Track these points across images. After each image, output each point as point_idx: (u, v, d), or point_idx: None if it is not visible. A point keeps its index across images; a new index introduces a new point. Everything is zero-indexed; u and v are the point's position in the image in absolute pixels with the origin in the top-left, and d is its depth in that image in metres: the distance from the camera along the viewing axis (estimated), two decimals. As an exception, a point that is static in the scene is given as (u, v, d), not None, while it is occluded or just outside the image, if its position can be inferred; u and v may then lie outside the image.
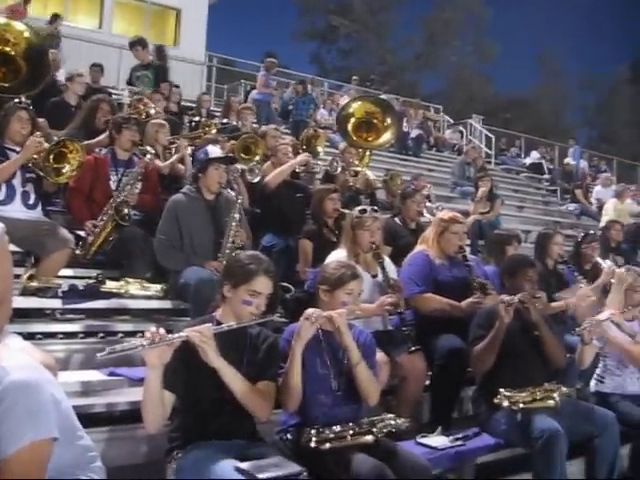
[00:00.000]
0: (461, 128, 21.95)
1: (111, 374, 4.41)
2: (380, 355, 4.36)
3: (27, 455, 2.21)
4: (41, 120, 6.62)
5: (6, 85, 6.11)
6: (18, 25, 6.27)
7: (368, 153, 8.61)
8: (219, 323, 3.33)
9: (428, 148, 19.11)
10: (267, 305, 3.43)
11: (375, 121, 8.36)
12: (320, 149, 8.53)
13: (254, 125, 10.33)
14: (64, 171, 5.47)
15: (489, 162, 19.38)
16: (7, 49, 6.08)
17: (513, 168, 20.51)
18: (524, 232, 12.41)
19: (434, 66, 43.00)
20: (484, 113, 26.35)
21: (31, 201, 5.49)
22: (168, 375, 3.08)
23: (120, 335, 5.13)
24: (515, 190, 17.44)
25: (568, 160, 20.51)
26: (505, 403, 4.29)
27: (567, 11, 49.29)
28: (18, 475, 2.19)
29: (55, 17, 14.02)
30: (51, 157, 5.36)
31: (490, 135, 21.72)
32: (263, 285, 3.38)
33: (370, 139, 8.42)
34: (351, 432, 3.53)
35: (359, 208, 5.24)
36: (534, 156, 21.36)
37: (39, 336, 4.82)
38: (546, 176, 20.10)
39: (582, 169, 20.40)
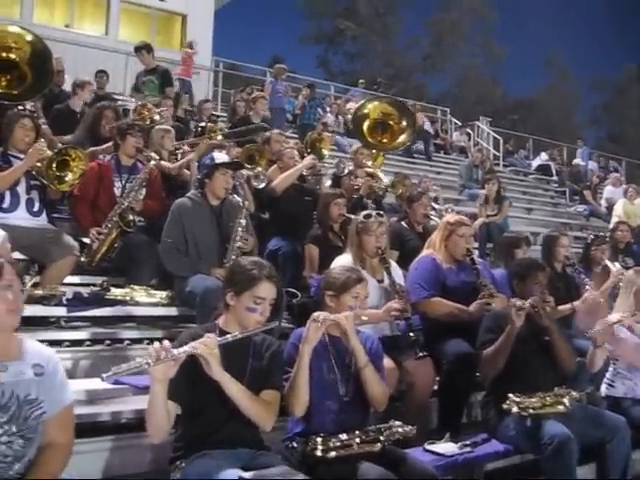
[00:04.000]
0: (469, 130, 21.88)
1: (116, 382, 4.36)
2: (387, 361, 4.32)
3: (69, 412, 2.89)
4: (45, 127, 6.61)
5: (12, 92, 6.10)
6: (20, 30, 6.25)
7: (381, 154, 8.55)
8: (222, 331, 3.28)
9: (435, 150, 19.05)
10: (271, 311, 3.38)
11: (391, 122, 8.23)
12: (325, 152, 8.48)
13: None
14: (66, 179, 5.45)
15: (497, 164, 19.32)
16: (11, 56, 6.06)
17: (521, 170, 20.42)
18: (533, 234, 12.31)
19: (441, 68, 42.91)
20: (492, 115, 26.28)
21: (36, 208, 5.48)
22: (172, 385, 3.03)
23: (126, 342, 5.12)
24: (523, 192, 17.37)
25: (577, 161, 20.40)
26: (514, 408, 4.22)
27: (574, 12, 49.34)
28: (66, 427, 2.87)
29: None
30: (54, 165, 5.34)
31: (498, 137, 21.62)
32: (267, 290, 3.33)
33: (385, 141, 8.30)
34: (358, 440, 3.50)
35: (364, 213, 5.19)
36: (543, 158, 21.27)
37: (45, 344, 4.80)
38: (554, 177, 19.99)
39: (591, 170, 20.33)
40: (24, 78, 6.10)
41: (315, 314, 3.56)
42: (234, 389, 3.14)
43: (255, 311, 3.29)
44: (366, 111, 8.36)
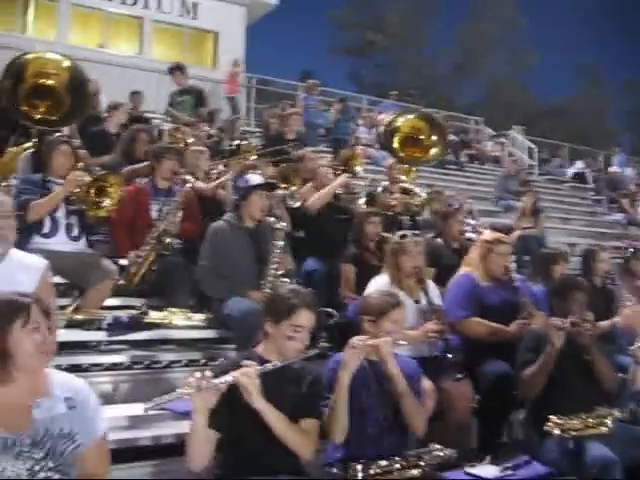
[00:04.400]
0: (503, 139, 21.71)
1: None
2: (426, 382, 4.30)
3: (104, 442, 2.86)
4: (82, 152, 6.71)
5: (51, 118, 6.20)
6: (58, 57, 6.36)
7: (413, 169, 8.52)
8: (262, 359, 3.29)
9: (469, 161, 18.90)
10: (310, 338, 3.38)
11: (421, 137, 8.23)
12: (358, 168, 8.45)
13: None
14: (104, 204, 5.52)
15: (532, 173, 19.12)
16: (50, 82, 6.17)
17: (557, 178, 20.19)
18: (570, 245, 12.20)
19: (472, 77, 42.66)
20: (524, 123, 26.05)
21: (75, 233, 5.53)
22: (212, 413, 3.05)
23: (164, 363, 5.17)
24: (559, 201, 17.10)
25: (613, 168, 20.10)
26: (556, 430, 4.16)
27: (605, 15, 48.90)
28: (102, 457, 2.84)
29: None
30: (91, 191, 5.42)
31: (532, 146, 21.40)
32: (306, 319, 3.33)
33: (417, 154, 8.28)
34: (398, 466, 3.49)
35: (400, 233, 5.19)
36: (578, 165, 21.01)
37: (85, 366, 4.88)
38: (591, 185, 19.72)
39: (628, 177, 20.00)
40: (62, 104, 6.22)
41: (353, 340, 3.57)
42: (274, 418, 3.15)
43: (294, 339, 3.29)
44: (397, 125, 8.35)
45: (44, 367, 2.74)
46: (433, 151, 8.29)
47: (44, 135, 6.29)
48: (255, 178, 5.68)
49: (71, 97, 6.26)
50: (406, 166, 8.35)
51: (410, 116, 8.63)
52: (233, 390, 3.10)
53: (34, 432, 2.63)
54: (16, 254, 3.75)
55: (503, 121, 27.99)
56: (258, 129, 15.44)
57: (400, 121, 8.42)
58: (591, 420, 4.25)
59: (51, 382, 2.75)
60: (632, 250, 7.32)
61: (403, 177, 8.15)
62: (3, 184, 6.41)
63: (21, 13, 17.86)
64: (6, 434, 2.57)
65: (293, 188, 7.02)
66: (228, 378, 3.04)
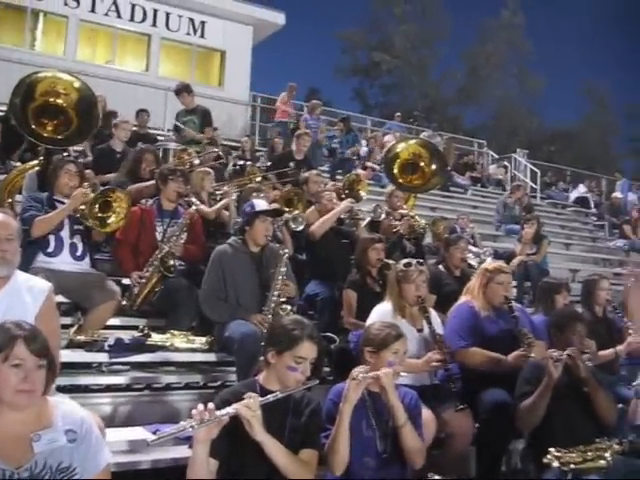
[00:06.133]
0: (505, 163, 21.75)
1: (156, 432, 4.40)
2: (426, 412, 4.30)
3: (105, 475, 2.84)
4: (87, 171, 6.74)
5: (58, 137, 6.24)
6: (67, 76, 6.40)
7: (413, 196, 8.51)
8: (263, 389, 3.31)
9: (472, 184, 18.92)
10: (311, 369, 3.40)
11: (422, 164, 8.11)
12: (363, 193, 8.47)
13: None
14: (109, 221, 5.56)
15: (534, 197, 19.15)
16: (59, 101, 6.20)
17: (559, 203, 20.21)
18: (572, 271, 12.23)
19: (477, 100, 42.71)
20: (529, 146, 26.13)
21: (79, 253, 5.55)
22: (213, 442, 3.06)
23: (164, 385, 5.21)
24: (562, 226, 17.11)
25: (616, 194, 20.10)
26: (555, 463, 4.15)
27: (611, 40, 49.15)
28: None
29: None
30: (96, 206, 5.45)
31: (535, 169, 21.43)
32: (308, 350, 3.35)
33: (417, 182, 8.22)
34: (397, 498, 3.49)
35: (404, 261, 5.19)
36: (581, 190, 21.01)
37: (85, 387, 4.90)
38: (593, 210, 19.72)
39: (631, 203, 19.98)
40: (70, 123, 6.25)
41: (354, 372, 3.59)
42: (275, 450, 3.16)
43: (296, 370, 3.31)
44: (397, 151, 8.24)
45: (27, 406, 2.66)
46: (432, 180, 8.17)
47: (51, 153, 6.34)
48: (261, 203, 5.68)
49: (79, 117, 6.28)
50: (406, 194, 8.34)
51: (411, 142, 8.57)
52: (234, 420, 3.11)
53: (33, 465, 2.60)
54: (21, 276, 3.76)
55: (508, 144, 28.04)
56: (262, 147, 15.55)
57: (400, 147, 8.35)
58: (590, 453, 4.22)
59: (55, 413, 2.73)
60: (634, 280, 7.30)
61: (404, 205, 8.14)
62: (9, 201, 6.47)
63: (30, 28, 17.96)
64: (5, 466, 2.55)
65: (296, 212, 7.03)
66: (230, 410, 3.05)
